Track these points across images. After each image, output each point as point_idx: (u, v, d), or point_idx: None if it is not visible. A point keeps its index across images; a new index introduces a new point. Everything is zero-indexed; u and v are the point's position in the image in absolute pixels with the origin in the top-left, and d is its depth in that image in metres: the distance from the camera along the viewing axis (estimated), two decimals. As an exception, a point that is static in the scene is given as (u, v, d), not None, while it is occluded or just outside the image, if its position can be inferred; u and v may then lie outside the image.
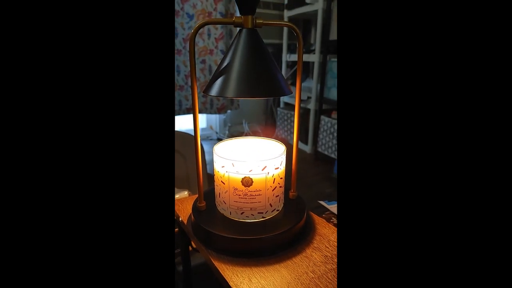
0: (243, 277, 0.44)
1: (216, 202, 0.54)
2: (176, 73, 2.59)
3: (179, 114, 2.64)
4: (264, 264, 0.46)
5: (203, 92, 0.48)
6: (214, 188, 0.54)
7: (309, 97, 2.45)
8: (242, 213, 0.50)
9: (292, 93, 0.48)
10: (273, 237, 0.48)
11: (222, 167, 0.49)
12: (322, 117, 2.27)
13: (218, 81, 0.45)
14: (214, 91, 0.45)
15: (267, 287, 0.42)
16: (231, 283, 0.43)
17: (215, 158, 0.50)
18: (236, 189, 0.49)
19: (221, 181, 0.50)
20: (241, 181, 0.48)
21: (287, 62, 2.73)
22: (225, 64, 0.46)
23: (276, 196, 0.51)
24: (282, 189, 0.53)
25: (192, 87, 0.47)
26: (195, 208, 0.55)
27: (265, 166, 0.48)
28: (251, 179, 0.48)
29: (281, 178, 0.51)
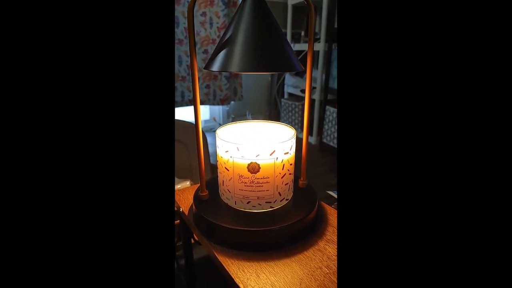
0: (250, 272, 0.40)
1: (219, 191, 0.50)
2: (177, 64, 2.54)
3: (181, 105, 2.59)
4: (273, 259, 0.42)
5: (204, 68, 0.43)
6: (218, 176, 0.50)
7: (314, 87, 2.39)
8: (248, 203, 0.46)
9: (303, 69, 0.43)
10: (282, 229, 0.43)
11: (226, 152, 0.44)
12: (328, 107, 2.21)
13: (221, 55, 0.40)
14: (216, 65, 0.40)
15: (277, 284, 0.38)
16: (236, 280, 0.39)
17: (218, 142, 0.46)
18: (241, 176, 0.44)
19: (225, 167, 0.46)
20: (247, 167, 0.43)
21: (291, 51, 2.66)
22: (228, 36, 0.41)
23: (286, 184, 0.47)
24: (292, 176, 0.48)
25: (191, 60, 0.42)
26: (196, 197, 0.51)
27: (274, 151, 0.43)
28: (258, 165, 0.43)
29: (290, 164, 0.47)
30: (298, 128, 2.45)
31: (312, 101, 2.38)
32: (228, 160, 0.45)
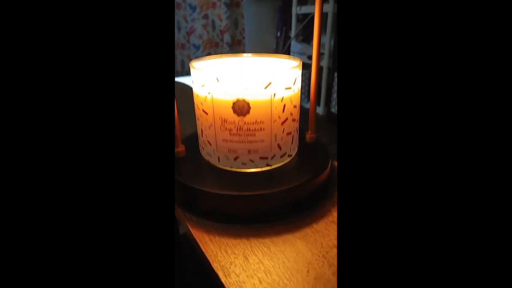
0: (235, 254, 0.28)
1: (199, 145, 0.37)
2: (176, 30, 2.39)
3: (181, 75, 2.45)
4: (270, 234, 0.30)
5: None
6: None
7: (321, 53, 2.22)
8: (236, 159, 0.33)
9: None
10: (283, 193, 0.31)
11: (202, 86, 0.32)
12: (336, 74, 2.05)
13: None
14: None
15: (273, 271, 0.26)
16: (215, 264, 0.27)
17: (193, 74, 0.33)
18: (225, 120, 0.31)
19: (203, 109, 0.33)
20: (232, 107, 0.30)
21: (298, 15, 2.46)
22: None
23: (288, 134, 0.34)
24: (297, 124, 0.35)
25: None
26: (170, 155, 0.38)
27: (270, 83, 0.30)
28: (248, 103, 0.30)
29: (294, 106, 0.34)
30: (305, 98, 2.31)
31: (319, 69, 2.21)
32: (206, 98, 0.32)
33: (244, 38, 2.40)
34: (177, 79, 2.38)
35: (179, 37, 2.39)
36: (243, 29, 2.40)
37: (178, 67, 2.42)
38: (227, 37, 2.37)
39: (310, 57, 2.33)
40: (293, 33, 2.41)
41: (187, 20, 2.35)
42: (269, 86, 0.30)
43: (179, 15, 2.33)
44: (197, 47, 2.44)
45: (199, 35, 2.38)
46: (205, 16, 2.38)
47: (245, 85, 0.29)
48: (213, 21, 2.39)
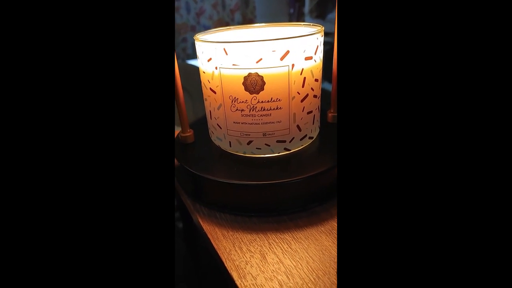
0: (251, 252, 0.24)
1: (209, 130, 0.34)
2: (185, 11, 2.33)
3: (194, 58, 2.41)
4: (290, 229, 0.26)
5: None
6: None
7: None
8: (249, 143, 0.29)
9: None
10: (304, 182, 0.27)
11: (209, 60, 0.27)
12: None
13: None
14: None
15: (295, 272, 0.22)
16: (228, 264, 0.23)
17: (198, 48, 0.29)
18: (235, 99, 0.27)
19: (210, 88, 0.29)
20: (244, 83, 0.26)
21: (312, -10, 2.35)
22: None
23: (309, 113, 0.30)
24: (318, 101, 0.31)
25: None
26: (177, 141, 0.35)
27: (287, 52, 0.25)
28: (261, 77, 0.26)
29: (316, 80, 0.29)
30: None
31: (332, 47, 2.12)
32: (213, 74, 0.27)
33: (255, 17, 2.32)
34: (190, 62, 2.34)
35: (188, 19, 2.33)
36: (254, 7, 2.32)
37: (189, 49, 2.38)
38: (238, 16, 2.30)
39: (325, 34, 2.23)
40: (306, 9, 2.31)
41: (196, 0, 2.28)
42: (286, 56, 0.25)
43: (188, -6, 2.26)
44: (207, 28, 2.38)
45: (209, 16, 2.32)
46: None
47: (258, 55, 0.25)
48: (223, 0, 2.31)
